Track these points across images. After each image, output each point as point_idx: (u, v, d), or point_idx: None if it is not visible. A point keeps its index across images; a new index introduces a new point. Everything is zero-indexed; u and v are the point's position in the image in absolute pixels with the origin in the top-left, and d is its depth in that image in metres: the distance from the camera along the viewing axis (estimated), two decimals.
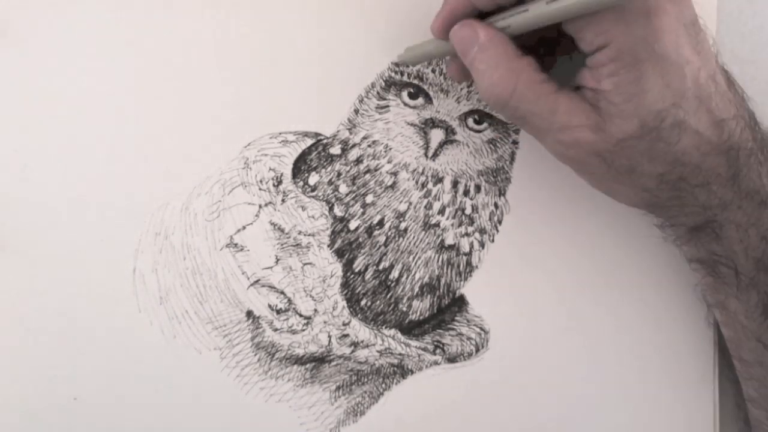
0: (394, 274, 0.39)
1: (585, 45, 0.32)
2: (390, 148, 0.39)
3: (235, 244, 0.38)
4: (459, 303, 0.39)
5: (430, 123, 0.39)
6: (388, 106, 0.39)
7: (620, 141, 0.32)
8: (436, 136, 0.39)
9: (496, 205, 0.40)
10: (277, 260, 0.38)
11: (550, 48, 0.36)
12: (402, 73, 0.39)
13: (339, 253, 0.38)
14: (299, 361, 0.38)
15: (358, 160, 0.38)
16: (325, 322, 0.38)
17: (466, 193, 0.39)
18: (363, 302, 0.38)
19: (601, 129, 0.32)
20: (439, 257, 0.39)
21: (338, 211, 0.38)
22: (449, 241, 0.39)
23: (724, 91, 0.33)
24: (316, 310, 0.38)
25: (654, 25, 0.30)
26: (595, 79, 0.32)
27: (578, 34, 0.32)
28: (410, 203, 0.39)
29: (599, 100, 0.32)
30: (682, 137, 0.32)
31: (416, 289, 0.39)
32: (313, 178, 0.38)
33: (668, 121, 0.31)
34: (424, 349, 0.39)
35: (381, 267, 0.38)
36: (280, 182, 0.38)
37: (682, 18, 0.31)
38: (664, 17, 0.30)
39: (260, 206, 0.38)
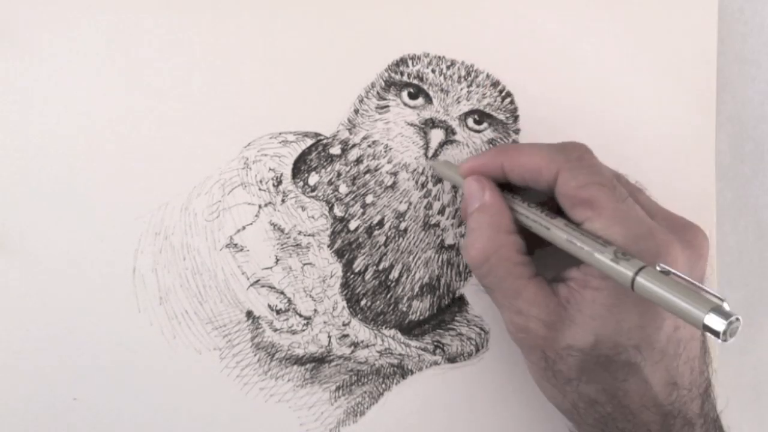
0: (394, 274, 0.39)
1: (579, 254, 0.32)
2: (390, 148, 0.39)
3: (235, 245, 0.38)
4: (459, 303, 0.39)
5: (430, 123, 0.39)
6: (388, 106, 0.39)
7: (567, 347, 0.32)
8: (436, 136, 0.39)
9: None
10: (277, 260, 0.38)
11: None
12: (402, 74, 0.39)
13: (339, 254, 0.38)
14: (299, 361, 0.38)
15: (358, 160, 0.38)
16: (325, 323, 0.38)
17: None
18: (363, 302, 0.38)
19: (554, 328, 0.32)
20: (439, 257, 0.39)
21: (338, 211, 0.38)
22: (449, 241, 0.39)
23: (692, 357, 0.32)
24: (316, 311, 0.38)
25: None
26: (579, 282, 0.32)
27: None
28: (410, 203, 0.39)
29: (569, 301, 0.32)
30: (629, 378, 0.31)
31: (416, 289, 0.39)
32: (313, 179, 0.38)
33: (622, 357, 0.31)
34: (424, 349, 0.39)
35: (381, 267, 0.38)
36: (280, 182, 0.38)
37: (687, 272, 0.30)
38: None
39: (260, 206, 0.38)
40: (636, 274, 0.28)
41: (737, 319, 0.26)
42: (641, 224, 0.31)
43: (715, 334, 0.26)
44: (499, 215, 0.33)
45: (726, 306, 0.26)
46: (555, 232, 0.32)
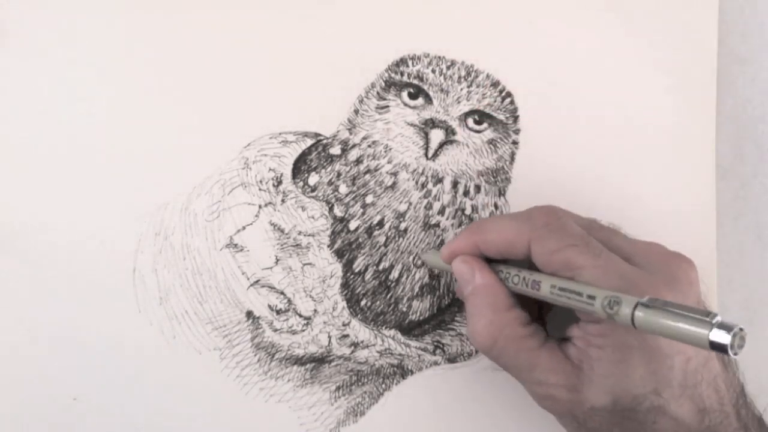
0: (394, 274, 0.39)
1: (580, 313, 0.32)
2: (390, 149, 0.39)
3: (235, 245, 0.38)
4: (459, 303, 0.39)
5: (430, 123, 0.39)
6: (388, 107, 0.39)
7: (591, 408, 0.32)
8: (436, 136, 0.39)
9: (496, 205, 0.40)
10: (277, 260, 0.38)
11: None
12: (402, 74, 0.39)
13: (339, 254, 0.38)
14: (299, 361, 0.38)
15: (358, 161, 0.38)
16: (325, 323, 0.38)
17: (466, 193, 0.39)
18: (363, 302, 0.38)
19: (576, 391, 0.32)
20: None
21: (338, 211, 0.38)
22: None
23: (714, 376, 0.32)
24: (316, 311, 0.38)
25: None
26: (582, 341, 0.32)
27: None
28: (410, 203, 0.39)
29: (582, 361, 0.32)
30: (658, 420, 0.31)
31: (416, 290, 0.39)
32: (313, 179, 0.38)
33: (645, 405, 0.31)
34: (424, 350, 0.39)
35: (381, 267, 0.38)
36: (280, 182, 0.38)
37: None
38: None
39: (260, 206, 0.38)
40: (632, 314, 0.28)
41: (741, 329, 0.26)
42: (622, 277, 0.31)
43: (723, 349, 0.25)
44: (494, 294, 0.34)
45: (719, 319, 0.26)
46: (544, 294, 0.32)
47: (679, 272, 0.32)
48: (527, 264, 0.34)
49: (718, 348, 0.25)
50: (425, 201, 0.39)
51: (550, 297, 0.32)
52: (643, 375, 0.31)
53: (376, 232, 0.38)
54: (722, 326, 0.26)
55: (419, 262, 0.39)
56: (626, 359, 0.31)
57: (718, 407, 0.32)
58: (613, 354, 0.31)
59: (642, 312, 0.28)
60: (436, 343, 0.39)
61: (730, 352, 0.25)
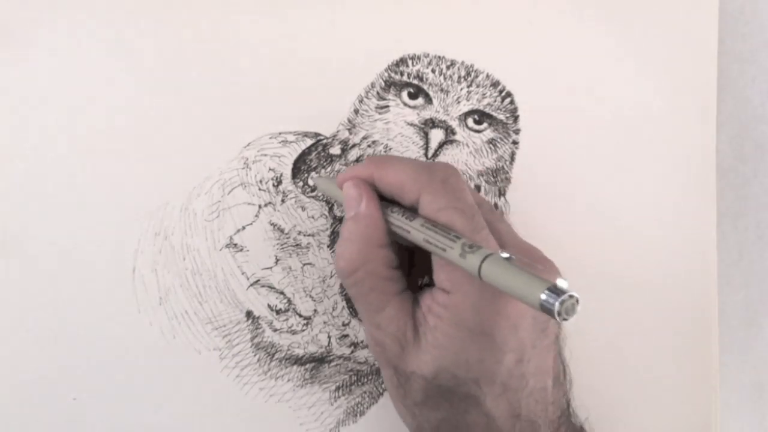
0: None
1: (435, 278, 0.32)
2: (390, 149, 0.39)
3: (235, 245, 0.38)
4: None
5: (430, 123, 0.39)
6: (387, 106, 0.39)
7: (412, 372, 0.32)
8: (436, 136, 0.39)
9: (496, 205, 0.40)
10: (277, 260, 0.38)
11: None
12: (402, 74, 0.39)
13: None
14: (299, 361, 0.38)
15: (358, 161, 0.38)
16: (324, 323, 0.38)
17: None
18: None
19: (405, 350, 0.32)
20: None
21: (338, 211, 0.38)
22: None
23: (539, 389, 0.32)
24: (315, 311, 0.38)
25: (500, 304, 0.30)
26: (427, 306, 0.32)
27: (434, 264, 0.32)
28: None
29: (420, 324, 0.32)
30: (470, 411, 0.31)
31: (416, 289, 0.39)
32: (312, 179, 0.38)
33: (462, 390, 0.31)
34: None
35: None
36: (279, 182, 0.38)
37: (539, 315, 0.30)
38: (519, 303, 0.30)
39: (260, 206, 0.38)
40: (482, 261, 0.28)
41: (571, 296, 0.25)
42: None
43: (551, 313, 0.25)
44: (373, 227, 0.33)
45: (563, 284, 0.26)
46: (414, 234, 0.32)
47: (545, 274, 0.32)
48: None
49: (546, 310, 0.25)
50: None
51: (419, 230, 0.31)
52: (470, 360, 0.31)
53: None
54: (554, 290, 0.25)
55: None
56: (459, 337, 0.31)
57: (534, 419, 0.32)
58: (449, 328, 0.31)
59: (489, 263, 0.28)
60: None
61: (556, 317, 0.25)
